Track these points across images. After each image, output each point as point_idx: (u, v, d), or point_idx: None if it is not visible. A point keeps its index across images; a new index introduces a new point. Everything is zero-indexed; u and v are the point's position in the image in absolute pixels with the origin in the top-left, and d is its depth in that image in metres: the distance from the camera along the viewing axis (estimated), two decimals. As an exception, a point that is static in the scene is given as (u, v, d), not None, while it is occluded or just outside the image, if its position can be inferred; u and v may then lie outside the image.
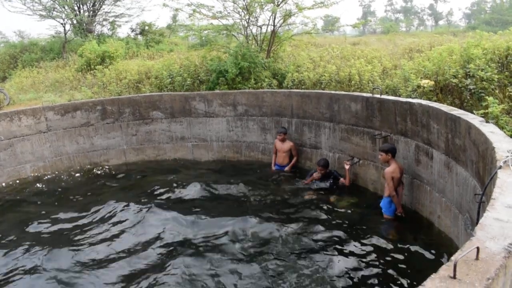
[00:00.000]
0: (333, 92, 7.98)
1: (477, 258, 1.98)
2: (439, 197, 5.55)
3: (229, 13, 10.87)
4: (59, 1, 18.42)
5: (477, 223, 2.40)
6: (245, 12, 10.55)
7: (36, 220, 6.60)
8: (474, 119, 4.73)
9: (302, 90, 8.62)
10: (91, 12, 19.44)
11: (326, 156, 7.93)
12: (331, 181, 7.37)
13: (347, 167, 7.22)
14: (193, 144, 9.51)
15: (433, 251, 5.12)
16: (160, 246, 5.57)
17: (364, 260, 5.04)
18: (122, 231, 6.06)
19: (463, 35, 17.83)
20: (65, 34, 19.01)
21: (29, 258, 5.43)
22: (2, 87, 12.51)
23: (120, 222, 6.37)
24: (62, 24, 18.92)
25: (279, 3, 10.34)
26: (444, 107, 5.48)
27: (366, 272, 4.79)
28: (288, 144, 8.33)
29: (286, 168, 8.35)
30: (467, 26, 49.40)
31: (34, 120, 8.58)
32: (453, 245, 5.14)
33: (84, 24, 18.93)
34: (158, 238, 5.80)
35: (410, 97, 6.97)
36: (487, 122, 4.59)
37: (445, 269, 1.89)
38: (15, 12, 18.09)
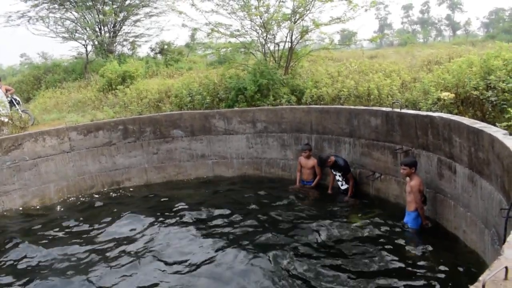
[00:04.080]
0: (352, 107, 7.97)
1: (506, 278, 1.95)
2: (464, 211, 5.45)
3: (246, 31, 10.98)
4: (81, 24, 18.89)
5: (504, 239, 2.36)
6: (263, 30, 10.64)
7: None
8: (497, 132, 4.66)
9: (321, 106, 8.63)
10: (112, 33, 19.82)
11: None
12: (344, 179, 7.58)
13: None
14: (213, 162, 9.57)
15: (459, 267, 5.01)
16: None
17: (389, 274, 4.97)
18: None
19: (482, 45, 17.61)
20: (87, 55, 19.44)
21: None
22: (27, 108, 12.82)
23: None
24: (84, 45, 19.37)
25: (296, 20, 10.42)
26: (466, 120, 5.42)
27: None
28: (312, 161, 8.25)
29: (312, 184, 8.28)
30: (486, 35, 48.80)
31: (58, 140, 8.77)
32: (480, 260, 5.04)
33: (105, 45, 19.30)
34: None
35: (431, 110, 6.91)
36: (510, 134, 4.52)
37: (474, 290, 1.87)
38: (39, 34, 18.51)
